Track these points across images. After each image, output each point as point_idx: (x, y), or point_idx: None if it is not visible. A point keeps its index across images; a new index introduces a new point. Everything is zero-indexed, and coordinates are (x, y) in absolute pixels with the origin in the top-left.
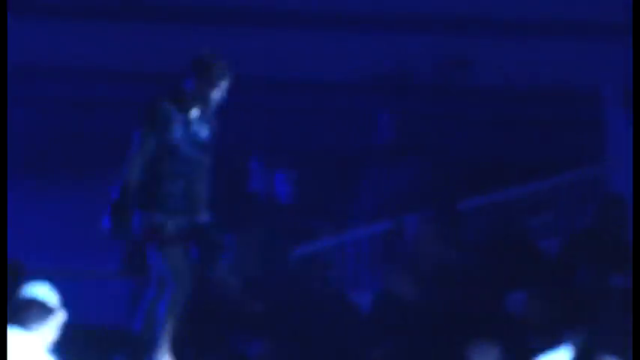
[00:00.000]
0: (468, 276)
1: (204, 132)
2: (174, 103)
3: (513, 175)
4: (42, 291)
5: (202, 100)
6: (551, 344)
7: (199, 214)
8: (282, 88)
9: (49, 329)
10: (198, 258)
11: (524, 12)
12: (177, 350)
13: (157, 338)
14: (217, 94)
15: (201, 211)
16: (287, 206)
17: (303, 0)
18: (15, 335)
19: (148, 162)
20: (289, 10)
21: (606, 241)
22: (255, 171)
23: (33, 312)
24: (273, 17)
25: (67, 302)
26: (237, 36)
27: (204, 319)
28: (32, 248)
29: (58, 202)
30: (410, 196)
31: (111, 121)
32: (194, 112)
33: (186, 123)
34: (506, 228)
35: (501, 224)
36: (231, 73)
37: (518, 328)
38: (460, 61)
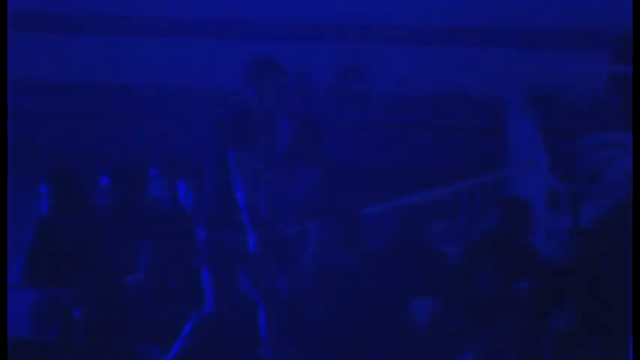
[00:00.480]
0: (372, 282)
1: (270, 142)
2: (243, 118)
3: (415, 181)
4: None
5: (264, 109)
6: (455, 350)
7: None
8: (184, 96)
9: None
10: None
11: (424, 19)
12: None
13: None
14: (277, 101)
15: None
16: (190, 215)
17: (201, 9)
18: None
19: (222, 179)
20: (191, 18)
21: (509, 246)
22: (154, 178)
23: None
24: (174, 26)
25: None
26: (137, 45)
27: (110, 325)
28: None
29: None
30: (312, 203)
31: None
32: (258, 124)
33: (254, 136)
34: (408, 234)
35: (404, 230)
36: (289, 80)
37: (423, 334)
38: (358, 68)
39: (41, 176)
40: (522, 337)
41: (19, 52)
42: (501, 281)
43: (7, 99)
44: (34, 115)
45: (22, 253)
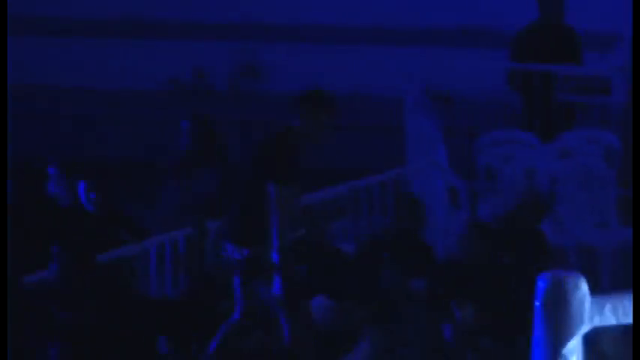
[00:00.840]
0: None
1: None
2: (290, 155)
3: (315, 180)
4: None
5: (309, 137)
6: (354, 346)
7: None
8: (83, 96)
9: None
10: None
11: (325, 17)
12: None
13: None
14: (324, 130)
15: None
16: (90, 214)
17: (103, 8)
18: None
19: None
20: (93, 18)
21: (406, 243)
22: (53, 176)
23: None
24: (72, 26)
25: None
26: (37, 45)
27: (8, 325)
28: None
29: None
30: (212, 202)
31: None
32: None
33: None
34: (308, 232)
35: (304, 229)
36: (336, 109)
37: (323, 332)
38: (252, 67)
39: None
40: (421, 334)
41: None
42: (399, 279)
43: (7, 100)
44: None
45: None
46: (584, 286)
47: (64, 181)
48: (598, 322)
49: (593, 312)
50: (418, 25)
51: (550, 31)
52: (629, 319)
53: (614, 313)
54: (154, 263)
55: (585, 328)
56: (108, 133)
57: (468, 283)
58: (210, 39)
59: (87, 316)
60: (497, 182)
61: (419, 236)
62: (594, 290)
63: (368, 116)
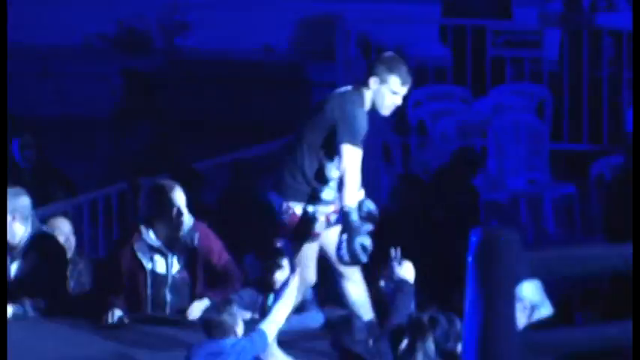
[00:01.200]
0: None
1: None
2: (358, 105)
3: (245, 136)
4: None
5: (378, 102)
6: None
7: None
8: (12, 53)
9: None
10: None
11: None
12: None
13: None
14: (393, 96)
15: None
16: (23, 170)
17: None
18: None
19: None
20: None
21: None
22: None
23: None
24: None
25: None
26: None
27: None
28: None
29: None
30: (146, 158)
31: None
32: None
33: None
34: (238, 188)
35: (234, 184)
36: (409, 75)
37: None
38: (184, 23)
39: None
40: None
41: None
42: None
43: (6, 101)
44: None
45: None
46: (516, 241)
47: None
48: (530, 277)
49: (526, 267)
50: None
51: None
52: (559, 274)
53: (547, 268)
54: (87, 219)
55: (518, 284)
56: (39, 90)
57: (401, 237)
58: None
59: (24, 272)
60: (430, 137)
61: None
62: (527, 245)
63: (300, 72)
